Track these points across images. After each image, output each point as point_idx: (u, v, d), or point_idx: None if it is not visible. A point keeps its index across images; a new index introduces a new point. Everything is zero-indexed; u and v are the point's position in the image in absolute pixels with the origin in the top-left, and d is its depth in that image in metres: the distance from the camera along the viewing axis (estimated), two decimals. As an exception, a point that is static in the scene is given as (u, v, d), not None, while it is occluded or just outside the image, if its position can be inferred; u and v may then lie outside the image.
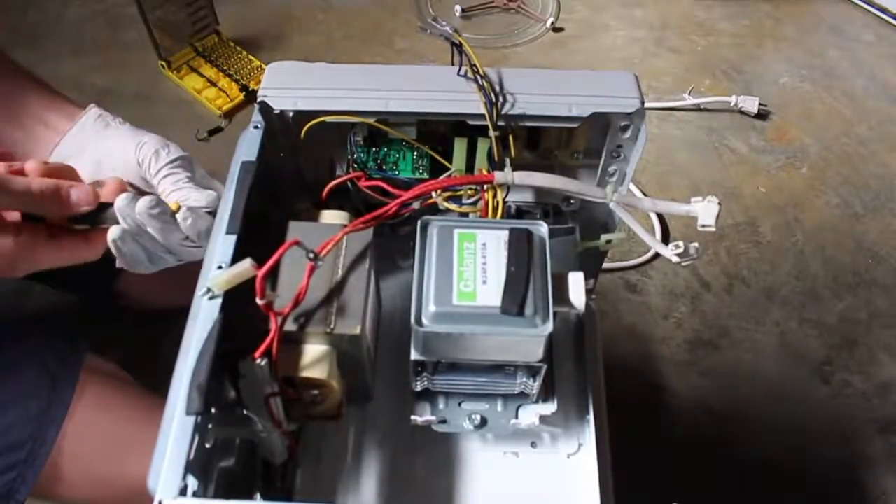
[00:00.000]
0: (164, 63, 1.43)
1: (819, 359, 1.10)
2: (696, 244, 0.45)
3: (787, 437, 1.02)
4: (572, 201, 0.56)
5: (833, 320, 1.14)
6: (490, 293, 0.40)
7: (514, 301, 0.39)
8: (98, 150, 0.57)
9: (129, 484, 0.60)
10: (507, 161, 0.48)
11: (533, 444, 0.50)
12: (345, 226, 0.44)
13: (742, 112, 1.41)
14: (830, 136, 1.39)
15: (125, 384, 0.65)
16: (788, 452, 1.00)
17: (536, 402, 0.47)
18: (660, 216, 1.22)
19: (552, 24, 1.58)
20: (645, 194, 1.26)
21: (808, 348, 1.11)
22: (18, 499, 0.55)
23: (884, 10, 1.61)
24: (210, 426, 0.36)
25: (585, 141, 0.53)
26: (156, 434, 0.62)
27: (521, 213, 0.55)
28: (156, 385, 0.67)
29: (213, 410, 0.37)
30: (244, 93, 1.40)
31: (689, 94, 1.41)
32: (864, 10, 1.63)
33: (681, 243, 0.44)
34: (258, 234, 0.43)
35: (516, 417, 0.47)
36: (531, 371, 0.44)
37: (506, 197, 0.47)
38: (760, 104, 1.39)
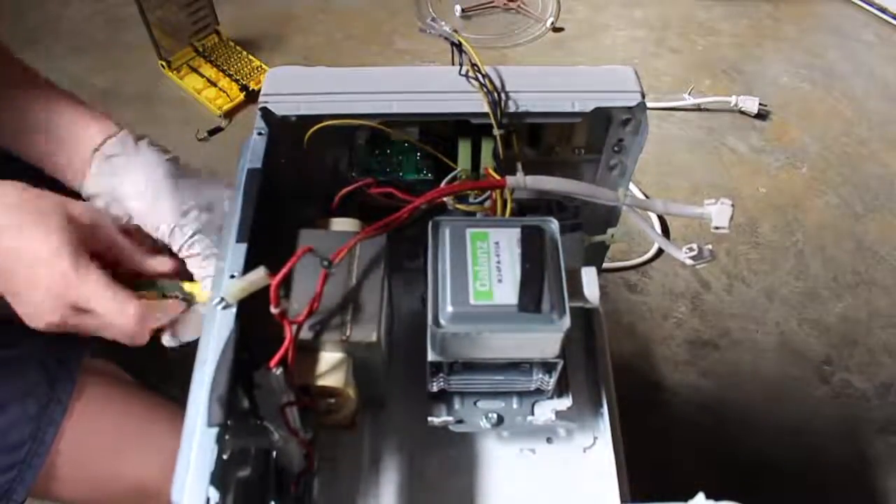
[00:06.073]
0: (164, 63, 1.43)
1: (819, 359, 1.10)
2: (709, 246, 0.45)
3: (787, 437, 1.02)
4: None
5: (833, 320, 1.14)
6: (506, 291, 0.40)
7: (532, 298, 0.40)
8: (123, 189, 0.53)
9: (127, 484, 0.60)
10: (519, 165, 0.48)
11: (549, 440, 0.50)
12: (357, 233, 0.43)
13: (742, 112, 1.41)
14: (830, 136, 1.39)
15: (124, 384, 0.65)
16: (788, 452, 1.00)
17: (551, 397, 0.47)
18: (660, 217, 1.22)
19: (552, 24, 1.58)
20: (645, 195, 1.26)
21: (808, 348, 1.11)
22: (16, 499, 0.55)
23: (884, 10, 1.61)
24: (227, 437, 0.36)
25: (586, 136, 0.53)
26: (155, 433, 0.61)
27: (523, 209, 0.55)
28: (155, 384, 0.67)
29: (228, 421, 0.36)
30: (244, 93, 1.40)
31: (689, 94, 1.41)
32: (864, 10, 1.64)
33: (695, 245, 0.44)
34: (262, 241, 0.43)
35: (532, 414, 0.47)
36: (547, 367, 0.44)
37: (513, 194, 0.47)
38: (760, 104, 1.39)
